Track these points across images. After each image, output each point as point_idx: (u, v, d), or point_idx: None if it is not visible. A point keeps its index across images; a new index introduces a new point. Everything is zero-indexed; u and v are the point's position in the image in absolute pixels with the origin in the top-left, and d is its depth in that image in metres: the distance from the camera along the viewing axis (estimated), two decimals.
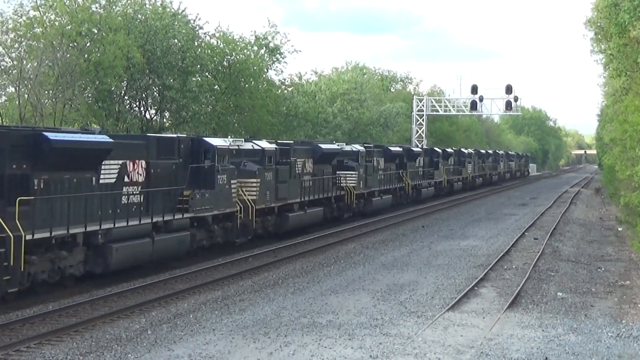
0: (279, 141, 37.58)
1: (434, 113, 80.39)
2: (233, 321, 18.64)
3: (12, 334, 17.33)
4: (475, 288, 23.43)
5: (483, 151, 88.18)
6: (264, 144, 33.67)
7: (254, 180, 31.58)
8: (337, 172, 41.27)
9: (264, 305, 20.58)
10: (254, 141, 33.60)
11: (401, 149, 54.24)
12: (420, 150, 60.59)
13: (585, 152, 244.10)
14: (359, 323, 18.60)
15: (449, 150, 71.17)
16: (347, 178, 42.09)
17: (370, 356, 15.81)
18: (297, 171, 35.99)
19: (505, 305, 20.88)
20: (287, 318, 19.02)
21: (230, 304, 20.73)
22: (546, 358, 15.93)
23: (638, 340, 17.61)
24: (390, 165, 50.83)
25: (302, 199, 36.38)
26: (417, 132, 78.09)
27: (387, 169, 49.81)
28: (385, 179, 49.17)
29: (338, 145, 43.75)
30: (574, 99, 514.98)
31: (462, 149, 76.91)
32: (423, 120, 78.29)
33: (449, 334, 17.68)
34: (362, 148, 44.84)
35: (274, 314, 19.41)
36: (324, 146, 40.58)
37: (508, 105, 76.10)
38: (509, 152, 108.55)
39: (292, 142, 38.24)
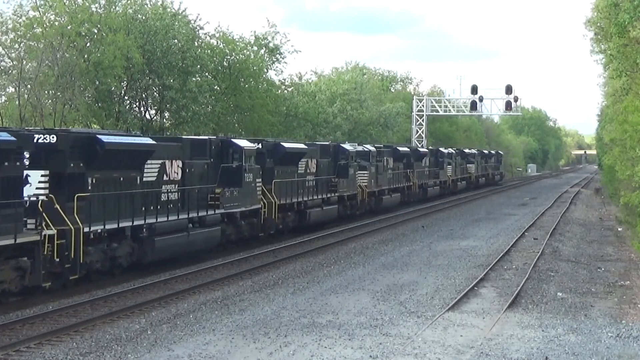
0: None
1: (434, 113, 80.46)
2: (233, 321, 18.64)
3: (12, 334, 17.33)
4: (475, 288, 23.43)
5: (405, 149, 56.96)
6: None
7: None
8: None
9: (264, 305, 20.58)
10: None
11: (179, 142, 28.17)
12: (244, 147, 31.05)
13: (585, 152, 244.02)
14: (359, 323, 18.59)
15: (321, 143, 44.06)
16: None
17: (370, 356, 15.81)
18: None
19: (505, 305, 20.88)
20: (287, 318, 19.02)
21: (230, 304, 20.73)
22: (546, 358, 15.93)
23: (638, 340, 17.61)
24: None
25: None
26: (417, 132, 78.15)
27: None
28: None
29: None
30: (574, 99, 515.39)
31: (366, 146, 48.46)
32: (423, 120, 78.35)
33: (449, 334, 17.68)
34: None
35: (274, 314, 19.41)
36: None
37: (508, 106, 76.18)
38: (465, 151, 78.09)
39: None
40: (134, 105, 49.09)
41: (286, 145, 35.33)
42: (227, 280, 24.42)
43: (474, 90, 76.64)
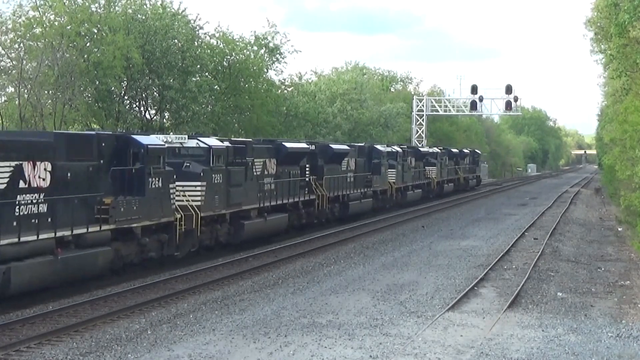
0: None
1: (434, 113, 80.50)
2: (233, 321, 18.63)
3: (12, 334, 17.32)
4: (475, 288, 23.42)
5: (303, 145, 36.84)
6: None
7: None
8: None
9: (264, 305, 20.58)
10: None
11: None
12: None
13: (585, 152, 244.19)
14: (359, 323, 18.59)
15: (77, 132, 28.61)
16: None
17: (370, 356, 15.81)
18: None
19: (505, 305, 20.87)
20: (287, 318, 19.01)
21: (230, 304, 20.72)
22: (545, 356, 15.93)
23: (638, 340, 17.61)
24: None
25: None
26: (417, 132, 78.16)
27: None
28: None
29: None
30: (574, 99, 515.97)
31: (202, 140, 28.40)
32: (423, 120, 78.37)
33: (449, 334, 17.68)
34: None
35: (274, 314, 19.40)
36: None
37: (508, 105, 76.23)
38: (420, 149, 61.35)
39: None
40: (134, 105, 49.15)
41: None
42: (227, 280, 24.41)
43: (474, 90, 76.70)
